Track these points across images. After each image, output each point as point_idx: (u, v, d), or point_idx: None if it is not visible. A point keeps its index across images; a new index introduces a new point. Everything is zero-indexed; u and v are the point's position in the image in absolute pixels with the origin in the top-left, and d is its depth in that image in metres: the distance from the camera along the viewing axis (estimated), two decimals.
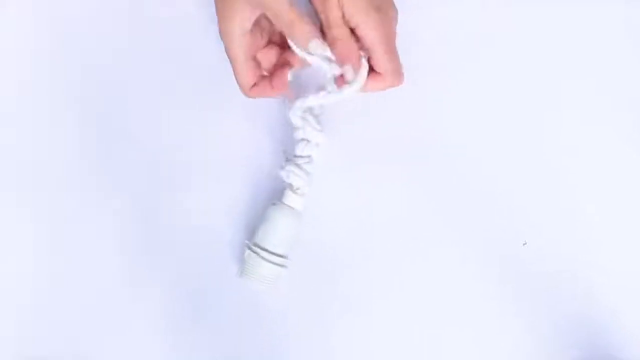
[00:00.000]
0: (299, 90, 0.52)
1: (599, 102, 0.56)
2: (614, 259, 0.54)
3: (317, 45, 0.48)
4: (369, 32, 0.49)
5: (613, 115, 0.56)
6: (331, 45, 0.49)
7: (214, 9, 0.50)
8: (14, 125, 0.57)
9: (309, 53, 0.49)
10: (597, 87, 0.56)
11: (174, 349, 0.54)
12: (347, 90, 0.50)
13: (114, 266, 0.55)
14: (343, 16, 0.49)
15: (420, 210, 0.55)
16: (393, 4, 0.51)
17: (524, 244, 0.54)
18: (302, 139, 0.52)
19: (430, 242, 0.54)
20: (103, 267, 0.55)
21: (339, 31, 0.49)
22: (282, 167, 0.52)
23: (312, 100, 0.51)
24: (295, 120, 0.52)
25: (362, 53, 0.50)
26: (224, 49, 0.50)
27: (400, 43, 0.51)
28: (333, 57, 0.49)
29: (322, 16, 0.50)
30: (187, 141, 0.56)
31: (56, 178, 0.56)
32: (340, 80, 0.50)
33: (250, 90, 0.51)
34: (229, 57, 0.50)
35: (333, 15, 0.49)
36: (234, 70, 0.51)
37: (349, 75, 0.49)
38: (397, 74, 0.51)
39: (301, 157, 0.52)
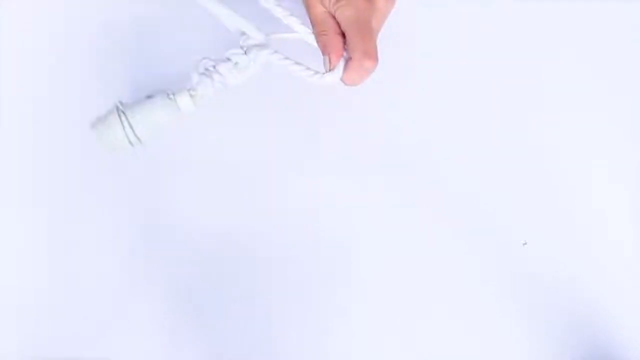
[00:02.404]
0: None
1: (598, 102, 0.56)
2: (614, 259, 0.54)
3: None
4: (342, 14, 0.50)
5: (613, 115, 0.56)
6: (316, 38, 0.51)
7: None
8: (14, 124, 0.57)
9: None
10: (597, 87, 0.56)
11: (174, 348, 0.54)
12: (318, 79, 0.51)
13: (113, 263, 0.55)
14: (323, 3, 0.51)
15: (419, 210, 0.55)
16: None
17: (523, 244, 0.54)
18: (232, 61, 0.52)
19: (429, 241, 0.54)
20: (102, 264, 0.55)
21: (321, 26, 0.51)
22: (197, 71, 0.52)
23: (282, 63, 0.51)
24: (252, 54, 0.51)
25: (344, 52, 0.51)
26: None
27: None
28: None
29: (307, 10, 0.52)
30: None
31: (56, 176, 0.56)
32: None
33: None
34: None
35: (314, 12, 0.51)
36: None
37: (325, 66, 0.51)
38: (368, 54, 0.50)
39: (220, 74, 0.51)
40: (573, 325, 0.53)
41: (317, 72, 0.51)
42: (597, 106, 0.56)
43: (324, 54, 0.51)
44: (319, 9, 0.51)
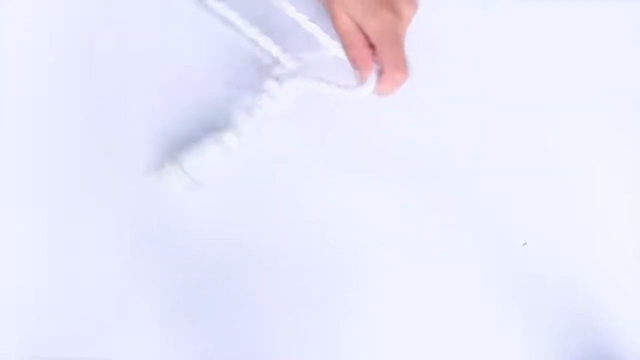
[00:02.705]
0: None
1: (600, 103, 0.56)
2: (614, 260, 0.54)
3: None
4: (369, 26, 0.50)
5: (615, 117, 0.56)
6: (345, 50, 0.51)
7: None
8: (14, 124, 0.57)
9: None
10: (599, 88, 0.56)
11: (177, 350, 0.54)
12: (350, 94, 0.51)
13: (114, 263, 0.55)
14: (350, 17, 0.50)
15: (420, 209, 0.55)
16: (408, 1, 0.51)
17: (523, 244, 0.54)
18: (268, 92, 0.53)
19: (429, 241, 0.54)
20: (103, 264, 0.55)
21: (350, 38, 0.50)
22: (239, 110, 0.53)
23: (315, 87, 0.51)
24: (286, 83, 0.52)
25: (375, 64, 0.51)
26: None
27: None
28: None
29: (332, 21, 0.51)
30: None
31: (56, 176, 0.56)
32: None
33: None
34: None
35: (339, 22, 0.50)
36: None
37: (357, 79, 0.51)
38: (399, 67, 0.50)
39: (259, 107, 0.53)
40: (573, 326, 0.53)
41: (348, 88, 0.51)
42: (598, 108, 0.56)
43: (354, 67, 0.51)
44: (344, 19, 0.50)
